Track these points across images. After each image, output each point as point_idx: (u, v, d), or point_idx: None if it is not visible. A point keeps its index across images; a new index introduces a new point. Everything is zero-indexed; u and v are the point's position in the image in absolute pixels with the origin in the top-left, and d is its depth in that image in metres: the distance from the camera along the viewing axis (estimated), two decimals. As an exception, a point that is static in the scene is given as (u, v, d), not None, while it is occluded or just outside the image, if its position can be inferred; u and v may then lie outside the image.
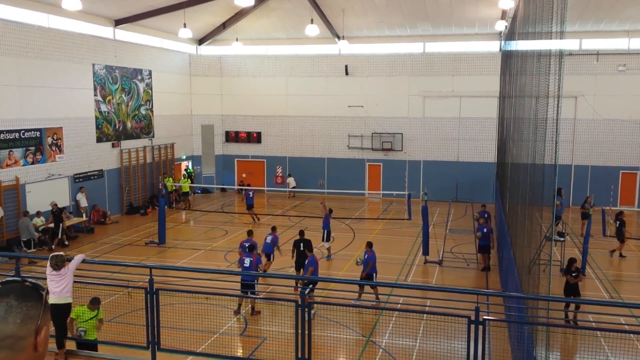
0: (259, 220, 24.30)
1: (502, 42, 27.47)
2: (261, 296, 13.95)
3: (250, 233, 15.71)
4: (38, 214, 20.44)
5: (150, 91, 28.22)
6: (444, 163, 29.87)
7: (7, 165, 19.72)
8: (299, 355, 7.54)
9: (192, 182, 31.90)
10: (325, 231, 18.74)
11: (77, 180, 23.06)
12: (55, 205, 20.23)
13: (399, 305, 13.29)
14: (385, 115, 30.30)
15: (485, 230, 17.19)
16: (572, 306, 12.61)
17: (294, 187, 30.99)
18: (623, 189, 27.92)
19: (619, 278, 16.64)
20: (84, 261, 8.84)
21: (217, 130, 32.94)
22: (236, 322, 13.05)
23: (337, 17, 27.75)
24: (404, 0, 25.54)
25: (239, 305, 13.44)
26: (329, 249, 18.58)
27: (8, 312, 1.74)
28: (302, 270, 15.38)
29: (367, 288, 13.99)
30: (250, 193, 25.14)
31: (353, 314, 13.07)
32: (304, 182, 31.12)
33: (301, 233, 16.11)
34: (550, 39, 7.47)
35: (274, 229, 16.85)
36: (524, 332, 8.18)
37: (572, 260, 13.03)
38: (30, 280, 1.85)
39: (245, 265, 13.62)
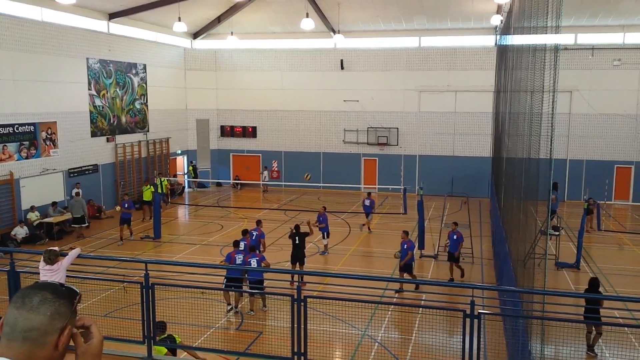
0: (121, 241, 19.73)
1: (498, 36, 27.48)
2: (256, 291, 13.95)
3: (236, 244, 14.37)
4: (32, 208, 20.38)
5: (144, 85, 28.10)
6: (439, 157, 29.90)
7: (1, 160, 19.62)
8: (295, 350, 7.56)
9: (195, 177, 31.82)
10: (324, 231, 18.69)
11: (71, 175, 22.97)
12: None
13: (394, 300, 13.32)
14: (381, 109, 30.29)
15: (405, 246, 15.06)
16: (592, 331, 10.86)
17: (266, 181, 31.09)
18: (617, 183, 28.05)
19: (614, 272, 16.73)
20: (79, 256, 8.81)
21: (212, 124, 32.85)
22: (232, 317, 13.05)
23: (333, 10, 27.68)
24: (399, -6, 25.50)
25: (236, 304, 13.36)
26: (325, 245, 18.61)
27: (42, 303, 1.78)
28: (297, 264, 15.41)
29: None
30: (127, 204, 20.03)
31: (349, 308, 13.09)
32: (300, 176, 31.05)
33: (297, 227, 16.09)
34: (546, 33, 7.47)
35: (259, 222, 16.35)
36: (519, 325, 8.22)
37: (595, 281, 11.25)
38: (66, 285, 1.92)
39: (253, 266, 13.35)
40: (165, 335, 8.86)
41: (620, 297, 11.09)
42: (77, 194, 22.17)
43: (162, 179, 26.53)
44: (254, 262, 13.35)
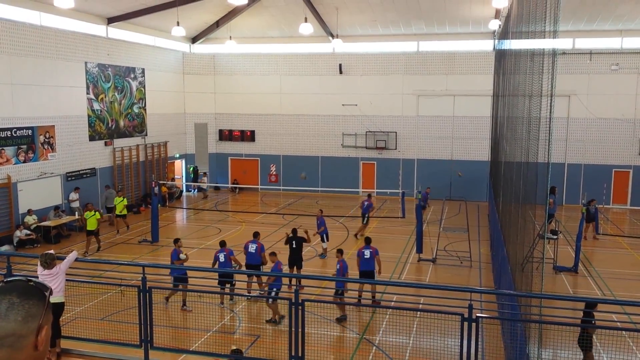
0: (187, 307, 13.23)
1: (496, 41, 27.55)
2: (255, 294, 13.94)
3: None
4: (29, 212, 20.34)
5: (143, 89, 28.10)
6: (437, 161, 29.92)
7: (-1, 164, 19.60)
8: (293, 353, 7.54)
9: (196, 180, 31.80)
10: (324, 234, 18.69)
11: (69, 178, 22.94)
12: None
13: (392, 303, 13.31)
14: (379, 113, 30.32)
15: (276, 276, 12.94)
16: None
17: (203, 187, 31.17)
18: (615, 187, 28.08)
19: (612, 276, 16.73)
20: (76, 260, 8.79)
21: (211, 128, 32.86)
22: (229, 320, 13.02)
23: (331, 15, 27.73)
24: (397, -1, 25.55)
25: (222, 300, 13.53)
26: (325, 249, 18.60)
27: (10, 310, 1.72)
28: (295, 267, 15.40)
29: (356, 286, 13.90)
30: (183, 255, 13.92)
31: (347, 312, 13.07)
32: (298, 180, 31.04)
33: (294, 231, 16.08)
34: (544, 38, 7.49)
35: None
36: (517, 329, 8.21)
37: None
38: (34, 280, 1.83)
39: (220, 260, 13.65)
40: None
41: (618, 301, 11.08)
42: (107, 186, 24.16)
43: (121, 198, 22.07)
44: (221, 257, 13.54)
